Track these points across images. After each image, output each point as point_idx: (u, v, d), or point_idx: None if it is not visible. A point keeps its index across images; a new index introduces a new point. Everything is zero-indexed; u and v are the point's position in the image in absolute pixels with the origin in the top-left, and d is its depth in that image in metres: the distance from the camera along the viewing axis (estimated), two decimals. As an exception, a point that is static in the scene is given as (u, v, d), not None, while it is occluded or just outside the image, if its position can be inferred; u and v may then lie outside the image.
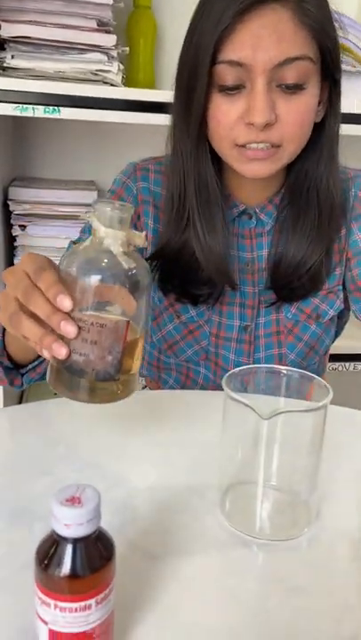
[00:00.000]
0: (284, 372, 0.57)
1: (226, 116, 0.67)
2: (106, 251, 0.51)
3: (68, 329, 0.49)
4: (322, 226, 0.75)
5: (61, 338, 0.51)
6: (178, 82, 0.71)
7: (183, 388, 0.87)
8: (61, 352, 0.50)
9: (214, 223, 0.74)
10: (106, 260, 0.51)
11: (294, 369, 0.57)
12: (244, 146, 0.68)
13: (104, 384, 0.51)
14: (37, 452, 0.63)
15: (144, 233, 0.53)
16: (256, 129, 0.66)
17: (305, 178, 0.75)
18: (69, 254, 0.55)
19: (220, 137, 0.69)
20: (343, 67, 1.25)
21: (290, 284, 0.77)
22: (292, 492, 0.55)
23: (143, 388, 1.01)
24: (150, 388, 0.96)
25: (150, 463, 0.61)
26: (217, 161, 0.75)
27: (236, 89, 0.66)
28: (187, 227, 0.76)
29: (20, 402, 1.46)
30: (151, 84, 1.28)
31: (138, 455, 0.63)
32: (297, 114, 0.67)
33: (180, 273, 0.78)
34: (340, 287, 0.81)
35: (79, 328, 0.50)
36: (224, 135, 0.69)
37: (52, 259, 0.57)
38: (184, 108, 0.70)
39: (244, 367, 0.56)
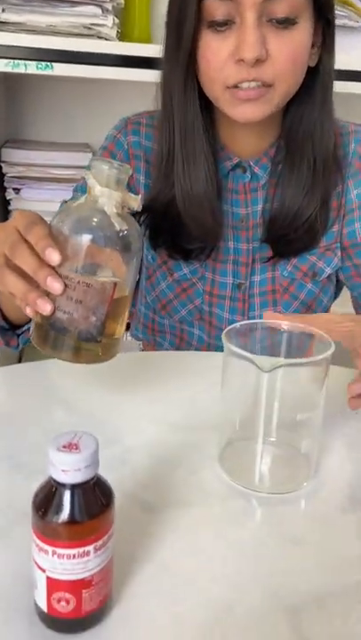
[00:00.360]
0: (285, 327, 0.56)
1: (216, 54, 0.66)
2: (99, 210, 0.50)
3: (55, 285, 0.49)
4: (317, 175, 0.74)
5: (47, 295, 0.50)
6: (168, 19, 0.70)
7: (178, 349, 0.86)
8: (46, 308, 0.49)
9: (199, 174, 0.73)
10: (98, 220, 0.51)
11: (295, 324, 0.56)
12: (235, 87, 0.66)
13: (86, 344, 0.51)
14: (35, 408, 0.62)
15: (140, 196, 0.52)
16: (247, 66, 0.64)
17: (299, 125, 0.73)
18: (62, 211, 0.53)
19: (211, 79, 0.68)
20: (345, 22, 1.22)
21: (286, 237, 0.76)
22: (291, 447, 0.54)
23: (141, 351, 1.00)
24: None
25: (148, 420, 0.61)
26: (209, 113, 0.73)
27: (226, 24, 0.65)
28: (175, 180, 0.74)
29: (19, 361, 1.45)
30: (147, 39, 1.23)
31: (136, 412, 0.62)
32: (289, 50, 0.65)
33: (170, 227, 0.76)
34: (338, 245, 0.80)
35: (65, 286, 0.49)
36: (215, 77, 0.67)
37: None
38: (173, 46, 0.69)
39: (245, 322, 0.55)
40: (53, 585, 0.36)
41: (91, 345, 0.51)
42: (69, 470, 0.34)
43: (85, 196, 0.52)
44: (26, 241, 0.52)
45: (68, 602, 0.36)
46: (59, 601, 0.36)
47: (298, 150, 0.74)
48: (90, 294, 0.50)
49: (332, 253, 0.79)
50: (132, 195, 0.52)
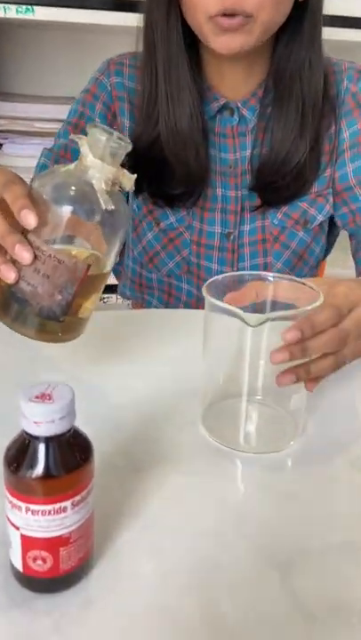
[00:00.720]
0: (271, 278, 0.52)
1: None
2: (87, 183, 0.46)
3: (24, 254, 0.45)
4: (306, 117, 0.70)
5: (13, 263, 0.46)
6: None
7: (167, 306, 0.83)
8: (10, 276, 0.46)
9: (184, 110, 0.70)
10: (84, 192, 0.46)
11: (282, 275, 0.52)
12: (217, 17, 0.63)
13: (46, 322, 0.48)
14: (18, 367, 0.59)
15: (134, 176, 0.48)
16: None
17: (287, 63, 0.70)
18: (47, 173, 0.49)
19: (194, 9, 0.65)
20: None
21: (274, 184, 0.73)
22: (278, 406, 0.52)
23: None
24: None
25: (135, 378, 0.58)
26: (195, 53, 0.71)
27: None
28: (160, 117, 0.71)
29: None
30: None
31: (123, 370, 0.59)
32: None
33: (153, 170, 0.73)
34: (330, 191, 0.76)
35: (35, 257, 0.46)
36: (197, 6, 0.64)
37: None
38: None
39: (227, 274, 0.51)
40: (28, 543, 0.33)
41: (51, 323, 0.48)
42: (42, 422, 0.32)
43: (76, 162, 0.47)
44: (2, 201, 0.48)
45: (44, 560, 0.34)
46: (35, 560, 0.34)
47: (286, 90, 0.70)
48: (59, 271, 0.46)
49: (323, 200, 0.76)
50: (128, 173, 0.47)
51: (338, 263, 1.07)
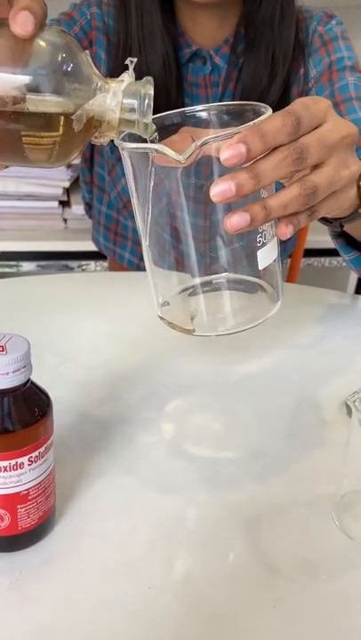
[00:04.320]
0: (204, 114, 0.43)
1: None
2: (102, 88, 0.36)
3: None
4: (276, 65, 0.69)
5: None
6: None
7: (140, 259, 0.81)
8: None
9: (156, 56, 0.67)
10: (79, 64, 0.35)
11: (223, 103, 0.45)
12: None
13: None
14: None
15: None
16: None
17: (259, 11, 0.68)
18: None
19: None
20: None
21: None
22: (244, 275, 0.42)
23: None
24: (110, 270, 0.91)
25: (107, 339, 0.57)
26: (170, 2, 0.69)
27: None
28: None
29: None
30: None
31: (95, 331, 0.58)
32: None
33: None
34: None
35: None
36: None
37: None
38: None
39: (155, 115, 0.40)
40: (-16, 500, 0.32)
41: None
42: (-5, 374, 0.30)
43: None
44: None
45: (1, 518, 0.33)
46: (-8, 517, 0.33)
47: (257, 38, 0.68)
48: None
49: None
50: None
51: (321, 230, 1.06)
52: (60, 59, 0.35)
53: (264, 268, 0.39)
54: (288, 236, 0.38)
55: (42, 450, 0.32)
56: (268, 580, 0.34)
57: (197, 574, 0.34)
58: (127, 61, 0.37)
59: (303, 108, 0.37)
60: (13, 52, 0.34)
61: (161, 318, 0.44)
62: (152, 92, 0.36)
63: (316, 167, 0.38)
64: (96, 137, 0.38)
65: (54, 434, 0.34)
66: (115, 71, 0.71)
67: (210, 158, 0.36)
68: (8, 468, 0.31)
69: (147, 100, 0.36)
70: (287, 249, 0.97)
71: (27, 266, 1.23)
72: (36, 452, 0.32)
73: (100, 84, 0.36)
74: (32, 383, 0.33)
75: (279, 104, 0.70)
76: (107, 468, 0.41)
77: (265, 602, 0.33)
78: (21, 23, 0.33)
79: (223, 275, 0.42)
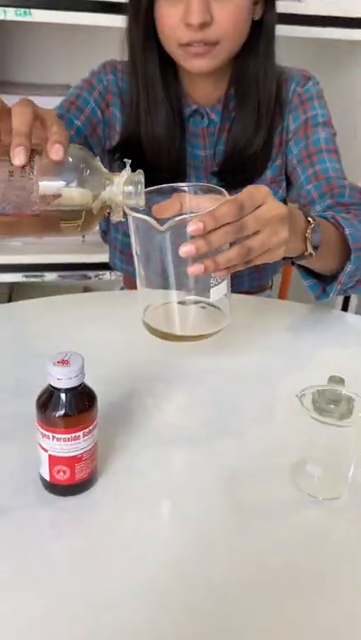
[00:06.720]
0: (186, 188, 0.61)
1: (169, 18, 0.76)
2: (106, 182, 0.54)
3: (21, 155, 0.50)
4: (261, 118, 0.85)
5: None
6: None
7: None
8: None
9: (160, 120, 0.84)
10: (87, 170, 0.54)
11: (199, 184, 0.64)
12: (187, 45, 0.77)
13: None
14: (30, 341, 0.74)
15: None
16: (194, 28, 0.75)
17: (246, 71, 0.84)
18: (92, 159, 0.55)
19: (167, 37, 0.78)
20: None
21: (233, 170, 0.87)
22: (203, 298, 0.59)
23: (121, 289, 1.11)
24: (126, 288, 1.07)
25: (128, 348, 0.73)
26: (173, 66, 0.84)
27: None
28: (141, 126, 0.85)
29: (9, 300, 1.57)
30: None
31: (117, 339, 0.74)
32: (229, 14, 0.76)
33: (143, 161, 0.85)
34: (283, 177, 0.91)
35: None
36: (170, 35, 0.78)
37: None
38: (135, 10, 0.80)
39: (147, 189, 0.57)
40: (54, 461, 0.49)
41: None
42: (63, 379, 0.47)
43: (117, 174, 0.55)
44: (43, 121, 0.54)
45: (64, 472, 0.49)
46: (58, 472, 0.49)
47: (245, 95, 0.85)
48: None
49: (276, 185, 0.91)
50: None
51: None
52: (81, 167, 0.54)
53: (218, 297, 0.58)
54: (227, 274, 0.56)
55: (91, 427, 0.49)
56: (241, 518, 0.51)
57: (192, 516, 0.51)
58: (125, 160, 0.56)
59: (247, 195, 0.53)
60: (52, 168, 0.53)
61: (144, 323, 0.61)
62: (143, 180, 0.55)
63: (254, 234, 0.55)
64: (109, 213, 0.57)
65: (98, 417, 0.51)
66: (128, 126, 0.87)
67: (182, 227, 0.53)
68: (69, 439, 0.48)
69: (139, 187, 0.55)
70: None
71: (49, 276, 1.39)
72: (87, 429, 0.49)
73: (107, 178, 0.56)
74: (84, 383, 0.49)
75: (263, 149, 0.86)
76: (130, 443, 0.58)
77: (235, 530, 0.49)
78: (55, 152, 0.52)
79: (192, 297, 0.60)
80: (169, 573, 0.45)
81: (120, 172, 0.55)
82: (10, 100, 1.41)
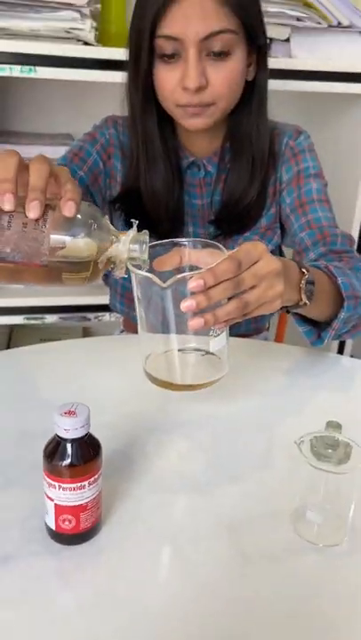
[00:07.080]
0: (186, 243, 0.63)
1: (167, 82, 0.81)
2: (111, 239, 0.57)
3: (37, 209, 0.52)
4: (255, 170, 0.90)
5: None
6: (128, 51, 0.84)
7: None
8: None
9: (158, 174, 0.88)
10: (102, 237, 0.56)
11: (198, 239, 0.64)
12: (184, 106, 0.82)
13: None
14: (35, 388, 0.76)
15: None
16: (191, 92, 0.79)
17: (240, 127, 0.89)
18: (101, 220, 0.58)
19: (165, 98, 0.83)
20: (309, 23, 1.32)
21: (229, 219, 0.91)
22: (203, 349, 0.61)
23: (121, 332, 1.14)
24: (126, 330, 1.10)
25: (130, 393, 0.75)
26: (171, 121, 0.89)
27: (174, 57, 0.79)
28: (140, 179, 0.90)
29: (7, 347, 1.59)
30: (123, 39, 1.33)
31: (120, 387, 0.76)
32: (224, 77, 0.80)
33: (142, 215, 0.89)
34: (277, 225, 0.95)
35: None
36: (168, 97, 0.83)
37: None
38: (133, 73, 0.84)
39: (151, 243, 0.59)
40: (60, 510, 0.50)
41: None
42: (70, 429, 0.49)
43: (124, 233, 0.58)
44: (57, 177, 0.56)
45: (70, 521, 0.50)
46: (63, 521, 0.50)
47: (239, 149, 0.90)
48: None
49: (271, 232, 0.95)
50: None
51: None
52: (90, 222, 0.57)
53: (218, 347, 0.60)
54: (226, 326, 0.58)
55: (96, 476, 0.51)
56: (241, 565, 0.51)
57: (192, 564, 0.52)
58: (133, 220, 0.59)
59: (245, 253, 0.56)
60: (64, 223, 0.56)
61: (146, 372, 0.63)
62: (148, 240, 0.58)
63: (251, 288, 0.57)
64: (112, 269, 0.60)
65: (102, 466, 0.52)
66: (128, 179, 0.91)
67: (183, 282, 0.55)
68: (75, 489, 0.50)
69: (144, 246, 0.58)
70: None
71: (50, 318, 1.42)
72: (92, 478, 0.50)
73: (114, 235, 0.59)
74: (90, 433, 0.51)
75: (258, 200, 0.90)
76: (132, 489, 0.59)
77: (236, 577, 0.50)
78: (69, 209, 0.55)
79: (192, 345, 0.61)
80: (172, 620, 0.46)
81: (119, 221, 0.59)
82: (13, 149, 1.46)
